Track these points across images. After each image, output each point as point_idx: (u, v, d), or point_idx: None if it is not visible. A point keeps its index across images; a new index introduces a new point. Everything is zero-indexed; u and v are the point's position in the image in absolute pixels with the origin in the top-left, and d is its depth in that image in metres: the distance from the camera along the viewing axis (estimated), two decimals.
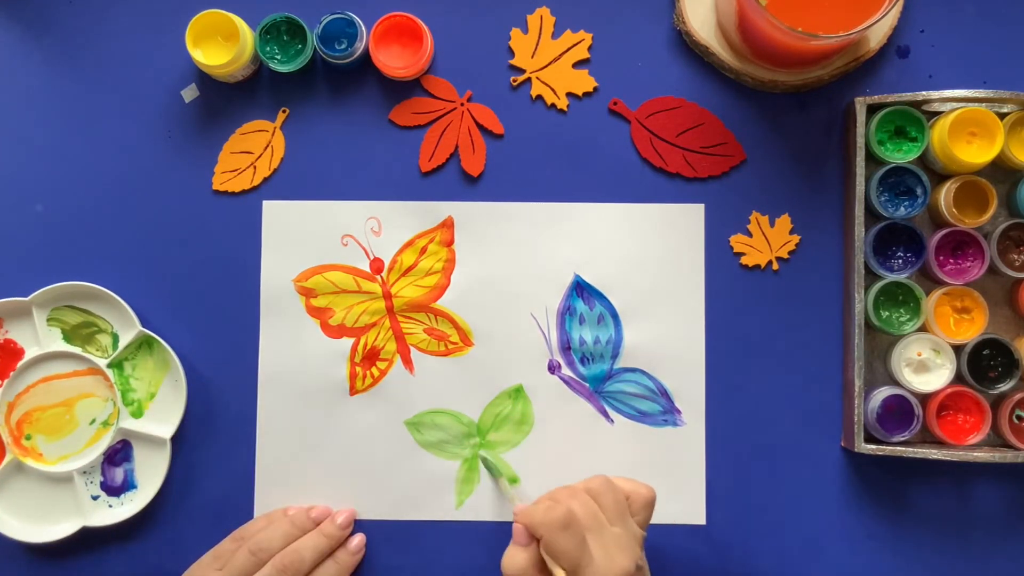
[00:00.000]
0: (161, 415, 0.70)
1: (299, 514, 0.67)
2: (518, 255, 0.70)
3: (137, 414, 0.70)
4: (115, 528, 0.69)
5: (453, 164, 0.71)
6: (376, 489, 0.69)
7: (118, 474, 0.70)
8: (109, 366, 0.69)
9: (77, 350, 0.69)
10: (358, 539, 0.68)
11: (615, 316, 0.70)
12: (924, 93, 0.67)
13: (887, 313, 0.67)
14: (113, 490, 0.69)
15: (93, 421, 0.70)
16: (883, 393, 0.66)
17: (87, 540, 0.69)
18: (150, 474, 0.69)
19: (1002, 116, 0.66)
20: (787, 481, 0.69)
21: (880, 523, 0.69)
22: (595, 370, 0.70)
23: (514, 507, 0.60)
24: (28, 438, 0.69)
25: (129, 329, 0.69)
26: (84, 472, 0.69)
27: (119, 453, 0.70)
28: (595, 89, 0.70)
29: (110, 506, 0.69)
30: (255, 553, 0.64)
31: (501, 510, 0.69)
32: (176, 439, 0.70)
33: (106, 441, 0.69)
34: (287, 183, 0.71)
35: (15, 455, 0.69)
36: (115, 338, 0.70)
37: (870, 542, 0.69)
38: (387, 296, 0.70)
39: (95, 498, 0.69)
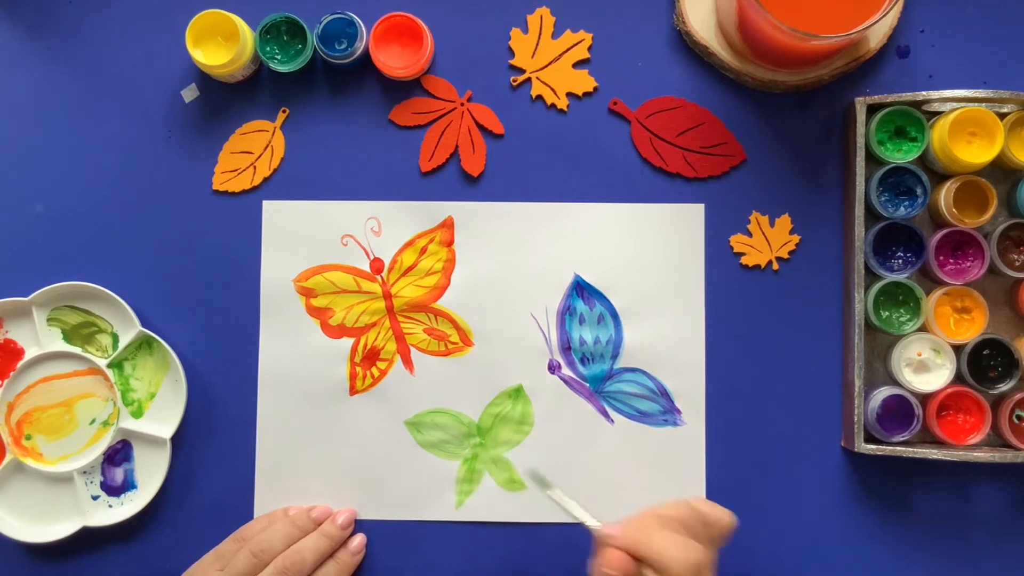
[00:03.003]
0: (161, 415, 0.70)
1: (300, 514, 0.67)
2: (518, 255, 0.70)
3: (137, 414, 0.70)
4: (115, 528, 0.69)
5: (453, 164, 0.71)
6: (376, 489, 0.69)
7: (118, 474, 0.70)
8: (109, 366, 0.69)
9: (77, 350, 0.69)
10: (359, 539, 0.68)
11: (615, 316, 0.70)
12: (924, 93, 0.67)
13: (887, 313, 0.67)
14: (113, 490, 0.69)
15: (93, 421, 0.70)
16: (883, 393, 0.66)
17: (87, 540, 0.69)
18: (150, 474, 0.69)
19: (1002, 116, 0.66)
20: (787, 481, 0.69)
21: (880, 523, 0.69)
22: (595, 370, 0.70)
23: (603, 528, 0.58)
24: (28, 438, 0.69)
25: (129, 329, 0.69)
26: (84, 472, 0.69)
27: (119, 453, 0.70)
28: (595, 89, 0.70)
29: (110, 506, 0.69)
30: (256, 554, 0.64)
31: (501, 510, 0.69)
32: (176, 439, 0.70)
33: (106, 441, 0.69)
34: (287, 183, 0.71)
35: (15, 455, 0.69)
36: (115, 338, 0.70)
37: (870, 542, 0.69)
38: (387, 296, 0.70)
39: (95, 498, 0.69)
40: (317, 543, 0.66)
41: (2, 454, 0.69)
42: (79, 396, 0.70)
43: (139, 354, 0.70)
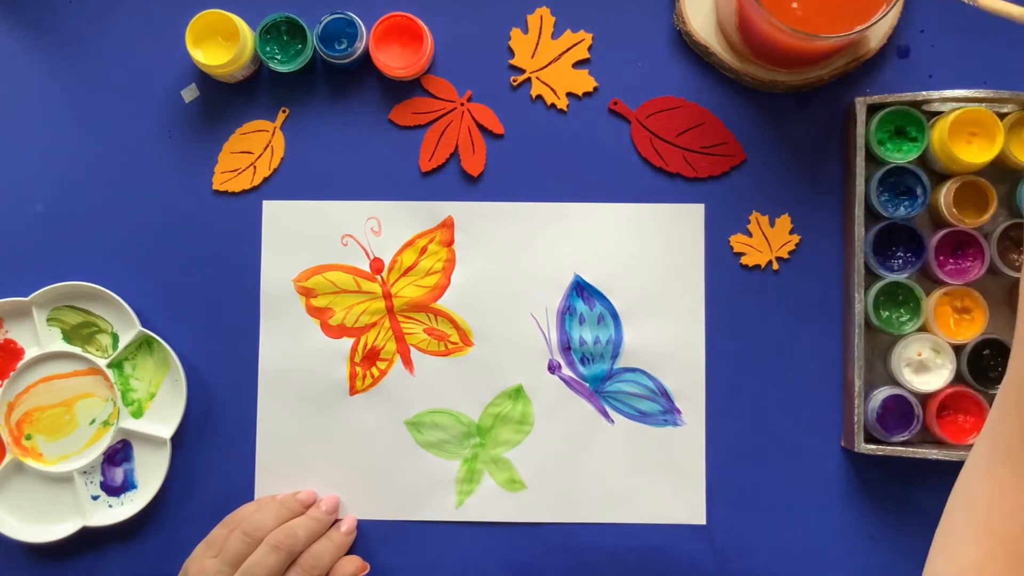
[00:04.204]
0: (161, 415, 0.70)
1: (287, 498, 0.68)
2: (518, 255, 0.70)
3: (137, 414, 0.70)
4: (115, 528, 0.69)
5: (453, 164, 0.71)
6: (376, 489, 0.69)
7: (118, 474, 0.70)
8: (109, 366, 0.69)
9: (77, 350, 0.69)
10: (349, 520, 0.68)
11: (615, 316, 0.70)
12: (924, 93, 0.67)
13: (887, 313, 0.67)
14: (113, 490, 0.69)
15: (93, 421, 0.70)
16: (883, 393, 0.66)
17: (87, 540, 0.69)
18: (150, 474, 0.69)
19: (1002, 116, 0.66)
20: (787, 481, 0.69)
21: (880, 523, 0.69)
22: (595, 370, 0.70)
23: None
24: (28, 438, 0.69)
25: (129, 329, 0.69)
26: (84, 472, 0.69)
27: (119, 453, 0.70)
28: (595, 89, 0.70)
29: (110, 506, 0.69)
30: (249, 533, 0.64)
31: (501, 510, 0.69)
32: (176, 439, 0.70)
33: (106, 441, 0.69)
34: (287, 183, 0.71)
35: (15, 455, 0.69)
36: (115, 338, 0.70)
37: (870, 542, 0.69)
38: (387, 296, 0.70)
39: (95, 498, 0.69)
40: (308, 524, 0.66)
41: (2, 454, 0.69)
42: (79, 396, 0.70)
43: (139, 354, 0.70)
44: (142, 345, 0.70)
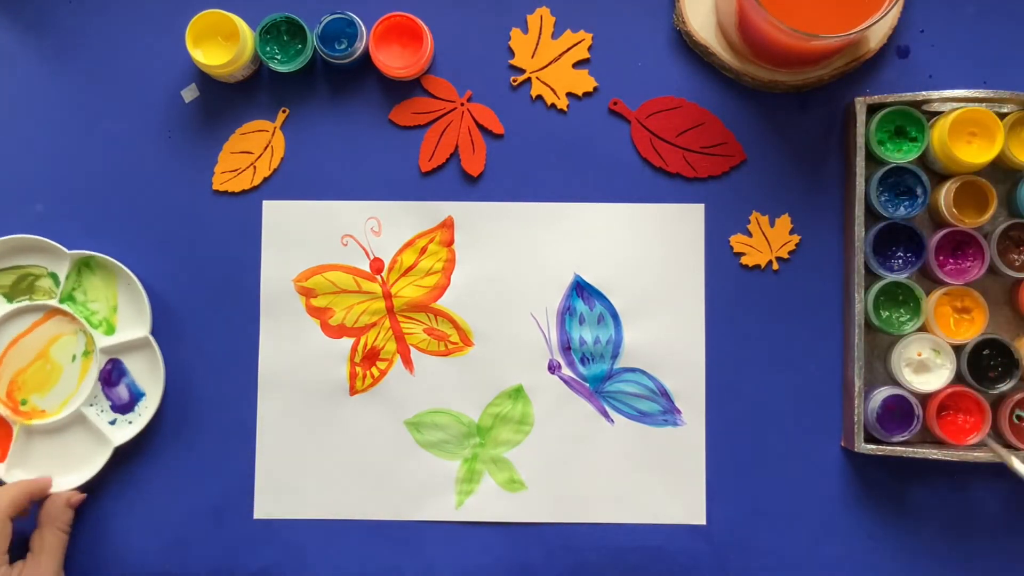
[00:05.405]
0: (132, 320, 0.70)
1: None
2: (518, 255, 0.70)
3: (110, 331, 0.70)
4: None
5: (453, 164, 0.71)
6: (376, 489, 0.69)
7: (122, 391, 0.70)
8: (61, 302, 0.69)
9: (25, 302, 0.69)
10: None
11: (615, 316, 0.70)
12: (924, 93, 0.67)
13: (887, 313, 0.67)
14: (124, 407, 0.70)
15: (74, 358, 0.70)
16: (883, 393, 0.66)
17: (88, 539, 0.69)
18: (150, 376, 0.70)
19: (1002, 116, 0.66)
20: (787, 481, 0.69)
21: (880, 523, 0.69)
22: (595, 370, 0.70)
23: None
24: (24, 403, 0.69)
25: (61, 261, 0.69)
26: (91, 405, 0.69)
27: (112, 373, 0.70)
28: (595, 89, 0.70)
29: (130, 422, 0.69)
30: None
31: (501, 510, 0.69)
32: (176, 439, 0.69)
33: (95, 369, 0.69)
34: (287, 183, 0.71)
35: (19, 423, 0.69)
36: (54, 277, 0.70)
37: (870, 542, 0.69)
38: (387, 296, 0.70)
39: (112, 423, 0.69)
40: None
41: (9, 432, 0.69)
42: (49, 342, 0.70)
43: (82, 278, 0.70)
44: (82, 269, 0.70)
